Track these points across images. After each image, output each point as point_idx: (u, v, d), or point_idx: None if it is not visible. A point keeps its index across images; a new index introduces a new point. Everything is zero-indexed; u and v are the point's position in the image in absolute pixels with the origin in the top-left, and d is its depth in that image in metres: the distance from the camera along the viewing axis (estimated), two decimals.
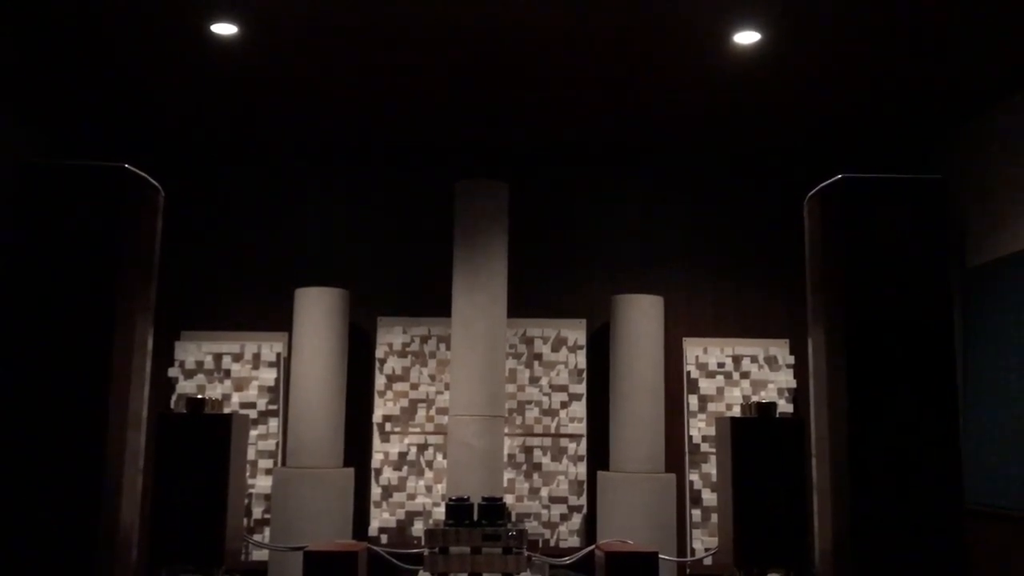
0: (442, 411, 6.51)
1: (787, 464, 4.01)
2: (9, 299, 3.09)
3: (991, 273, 5.82)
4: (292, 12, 4.80)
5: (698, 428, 6.62)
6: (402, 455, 6.52)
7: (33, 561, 2.93)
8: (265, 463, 6.50)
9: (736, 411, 5.92)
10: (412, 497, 6.46)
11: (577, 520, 6.50)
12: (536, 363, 6.67)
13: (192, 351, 6.64)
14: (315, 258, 6.86)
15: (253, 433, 6.45)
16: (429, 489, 6.48)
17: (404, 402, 6.60)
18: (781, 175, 6.92)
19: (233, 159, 7.02)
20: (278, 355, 6.67)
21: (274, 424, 6.57)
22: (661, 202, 7.02)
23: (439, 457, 6.48)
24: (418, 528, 6.38)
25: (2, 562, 2.93)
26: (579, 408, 6.61)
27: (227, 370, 6.62)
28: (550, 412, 6.61)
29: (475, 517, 4.18)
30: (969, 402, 5.80)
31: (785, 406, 6.55)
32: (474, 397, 5.73)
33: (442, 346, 6.63)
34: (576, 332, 6.73)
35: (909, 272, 3.30)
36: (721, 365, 6.70)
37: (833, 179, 3.41)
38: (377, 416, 6.57)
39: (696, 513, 6.54)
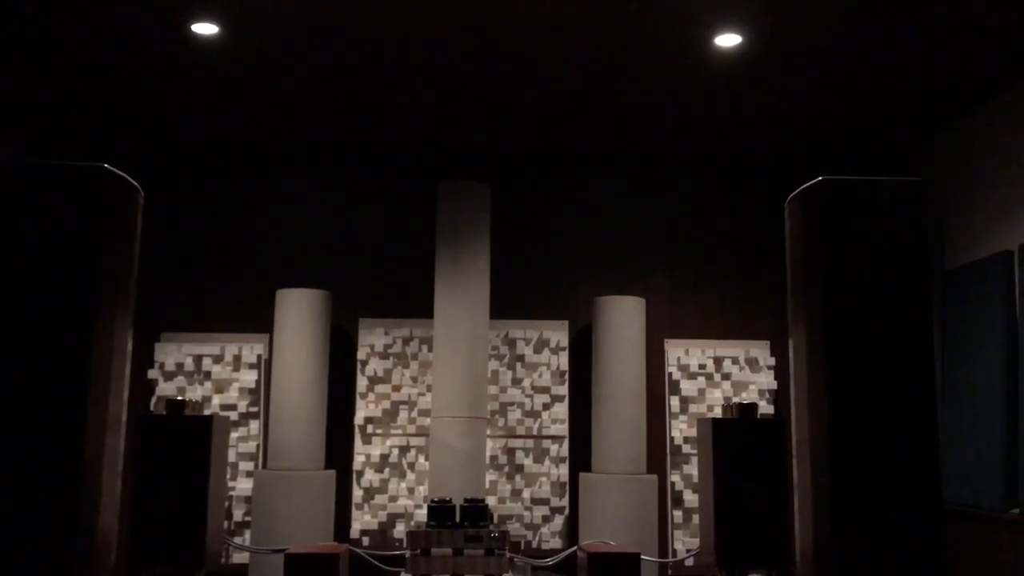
0: (424, 413, 6.50)
1: (768, 465, 4.03)
2: None
3: (969, 275, 5.88)
4: (273, 13, 4.78)
5: (680, 429, 6.64)
6: (384, 457, 6.50)
7: (11, 564, 2.90)
8: (246, 465, 6.46)
9: (717, 412, 5.96)
10: (394, 499, 6.44)
11: (559, 521, 6.51)
12: (518, 365, 6.67)
13: (172, 353, 6.59)
14: (296, 259, 6.83)
15: (234, 435, 6.41)
16: (411, 491, 6.46)
17: (386, 404, 6.58)
18: (762, 177, 6.95)
19: (213, 159, 6.98)
20: (259, 357, 6.63)
21: (255, 426, 6.53)
22: (643, 204, 7.05)
23: (421, 459, 6.46)
24: (400, 530, 6.36)
25: None
26: (561, 410, 6.61)
27: (207, 372, 6.57)
28: (532, 414, 6.60)
29: (457, 519, 4.18)
30: (947, 403, 5.85)
31: (766, 407, 6.58)
32: (456, 399, 5.72)
33: (424, 348, 6.61)
34: (558, 334, 6.73)
35: (888, 274, 3.32)
36: (702, 366, 6.72)
37: (813, 181, 3.43)
38: (359, 418, 6.55)
39: (678, 514, 6.55)
